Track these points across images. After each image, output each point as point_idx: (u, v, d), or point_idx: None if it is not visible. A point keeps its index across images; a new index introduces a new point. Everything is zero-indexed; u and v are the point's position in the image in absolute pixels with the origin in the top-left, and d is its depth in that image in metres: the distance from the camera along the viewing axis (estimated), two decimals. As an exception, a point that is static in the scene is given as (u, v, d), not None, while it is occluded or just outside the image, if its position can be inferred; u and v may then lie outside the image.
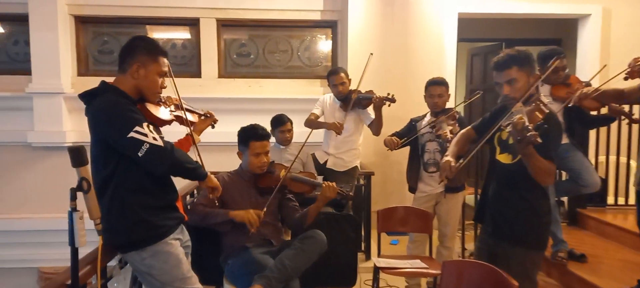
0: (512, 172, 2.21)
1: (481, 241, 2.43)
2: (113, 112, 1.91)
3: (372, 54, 4.05)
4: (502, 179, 2.28)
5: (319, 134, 4.14)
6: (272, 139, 3.84)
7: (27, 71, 5.11)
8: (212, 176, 2.26)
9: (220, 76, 5.38)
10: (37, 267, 5.25)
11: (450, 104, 3.56)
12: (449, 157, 2.33)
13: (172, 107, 2.39)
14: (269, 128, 3.83)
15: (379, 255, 3.15)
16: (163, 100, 2.33)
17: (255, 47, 5.49)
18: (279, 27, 5.45)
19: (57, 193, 4.89)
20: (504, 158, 2.27)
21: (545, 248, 2.29)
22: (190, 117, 2.53)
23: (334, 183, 2.66)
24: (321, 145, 4.20)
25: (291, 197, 2.89)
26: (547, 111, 2.07)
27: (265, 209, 2.61)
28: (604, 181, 4.54)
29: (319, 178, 2.91)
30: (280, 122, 3.87)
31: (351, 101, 3.86)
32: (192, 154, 2.53)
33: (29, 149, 5.15)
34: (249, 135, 2.77)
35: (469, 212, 3.97)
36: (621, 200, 4.62)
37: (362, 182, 4.26)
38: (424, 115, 3.58)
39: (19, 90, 5.06)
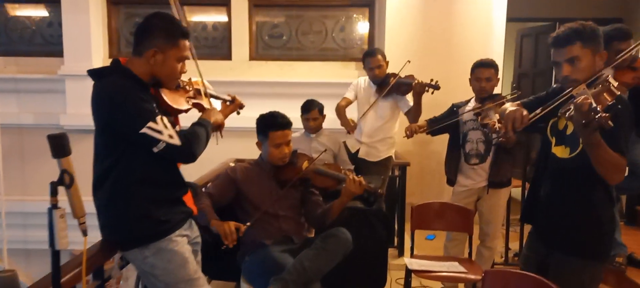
0: (570, 169, 1.87)
1: (529, 248, 2.10)
2: (121, 101, 1.72)
3: (409, 61, 3.71)
4: (558, 177, 1.94)
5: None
6: (301, 126, 3.64)
7: (60, 53, 5.05)
8: (214, 114, 2.08)
9: (251, 58, 5.19)
10: (69, 249, 5.27)
11: (497, 90, 3.21)
12: (516, 106, 1.92)
13: (192, 93, 2.17)
14: (298, 114, 3.61)
15: (412, 254, 2.88)
16: (182, 85, 2.12)
17: (288, 28, 5.26)
18: (313, 7, 5.19)
19: (89, 176, 4.78)
20: (560, 151, 1.93)
21: (607, 260, 1.96)
22: (213, 103, 2.31)
23: (361, 178, 2.38)
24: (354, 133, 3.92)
25: (314, 190, 2.64)
26: (619, 93, 1.71)
27: (248, 223, 2.38)
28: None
29: (348, 170, 2.63)
30: (306, 109, 3.61)
31: (388, 86, 3.57)
32: (213, 142, 2.33)
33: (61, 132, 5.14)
34: (268, 124, 2.54)
35: (515, 208, 3.63)
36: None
37: (396, 173, 3.97)
38: (468, 101, 3.24)
39: (52, 73, 5.03)
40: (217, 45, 5.27)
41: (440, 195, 4.53)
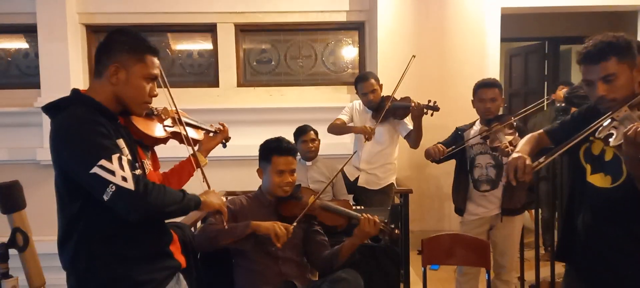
0: (615, 200, 1.65)
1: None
2: (74, 135, 1.46)
3: (414, 56, 3.53)
4: (600, 209, 1.71)
5: (348, 147, 3.65)
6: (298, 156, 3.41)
7: (38, 85, 4.79)
8: (211, 196, 1.78)
9: (239, 85, 4.97)
10: (47, 294, 4.90)
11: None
12: (521, 153, 1.72)
13: (169, 121, 1.93)
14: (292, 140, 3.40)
15: (423, 291, 2.63)
16: (156, 113, 1.88)
17: (276, 52, 5.07)
18: (302, 31, 5.02)
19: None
20: (599, 180, 1.71)
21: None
22: (194, 133, 2.07)
23: (376, 217, 2.15)
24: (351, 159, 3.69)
25: (319, 229, 2.40)
26: None
27: (294, 224, 2.15)
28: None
29: (356, 208, 2.41)
30: (301, 131, 3.42)
31: (384, 110, 3.36)
32: (197, 179, 2.08)
33: (38, 167, 4.83)
34: (272, 149, 2.32)
35: (527, 234, 3.41)
36: None
37: (397, 200, 3.74)
38: (472, 124, 3.05)
39: (28, 105, 4.74)
40: (204, 72, 5.05)
41: (440, 220, 4.31)
